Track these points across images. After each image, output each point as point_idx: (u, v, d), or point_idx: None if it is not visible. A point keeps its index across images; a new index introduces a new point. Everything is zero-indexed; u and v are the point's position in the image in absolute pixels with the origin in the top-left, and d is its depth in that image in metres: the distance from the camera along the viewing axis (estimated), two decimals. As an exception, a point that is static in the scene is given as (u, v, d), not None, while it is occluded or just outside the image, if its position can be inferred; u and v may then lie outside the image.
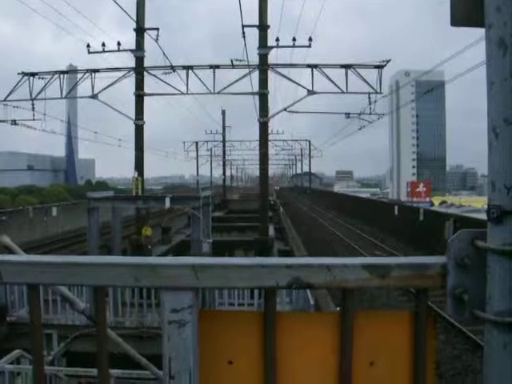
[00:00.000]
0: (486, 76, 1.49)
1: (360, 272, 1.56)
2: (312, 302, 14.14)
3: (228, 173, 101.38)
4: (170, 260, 1.62)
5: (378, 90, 29.83)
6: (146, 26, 28.92)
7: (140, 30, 28.61)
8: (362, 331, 1.64)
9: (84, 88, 31.52)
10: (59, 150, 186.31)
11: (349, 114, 36.33)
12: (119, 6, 21.26)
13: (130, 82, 29.75)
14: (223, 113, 74.84)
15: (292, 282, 1.56)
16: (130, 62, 29.58)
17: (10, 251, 3.04)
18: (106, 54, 29.42)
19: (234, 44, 28.48)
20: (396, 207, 46.26)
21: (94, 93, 30.56)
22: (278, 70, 29.86)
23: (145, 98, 29.80)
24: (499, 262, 1.47)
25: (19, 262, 1.68)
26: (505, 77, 1.43)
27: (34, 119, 31.74)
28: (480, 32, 1.53)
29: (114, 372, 8.74)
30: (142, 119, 29.45)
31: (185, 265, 1.57)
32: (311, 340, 1.66)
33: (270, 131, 35.12)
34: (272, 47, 28.41)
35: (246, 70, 29.36)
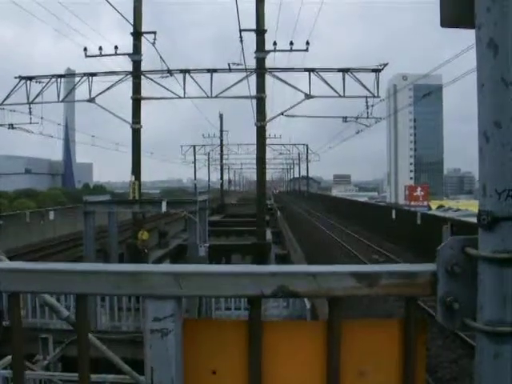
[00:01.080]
0: (476, 78, 1.45)
1: (348, 280, 1.52)
2: (308, 307, 14.12)
3: (226, 177, 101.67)
4: (152, 268, 1.58)
5: (376, 94, 29.87)
6: (147, 29, 28.97)
7: (137, 34, 28.62)
8: (350, 340, 1.60)
9: (81, 92, 31.54)
10: (57, 154, 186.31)
11: (346, 117, 36.37)
12: (116, 10, 21.30)
13: (127, 86, 29.78)
14: (221, 117, 74.91)
15: (277, 290, 1.52)
16: (129, 65, 29.60)
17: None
18: (106, 57, 29.50)
19: (234, 47, 28.41)
20: (393, 211, 46.21)
21: (92, 96, 30.56)
22: (276, 73, 29.88)
23: (142, 101, 29.82)
24: (490, 270, 1.43)
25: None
26: (495, 79, 1.39)
27: (31, 123, 31.79)
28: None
29: (95, 377, 8.64)
30: (139, 123, 29.45)
31: (167, 273, 1.54)
32: (298, 349, 1.62)
33: (267, 135, 35.09)
34: (269, 51, 28.42)
35: (244, 74, 29.38)
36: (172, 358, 1.55)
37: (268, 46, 28.29)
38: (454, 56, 25.38)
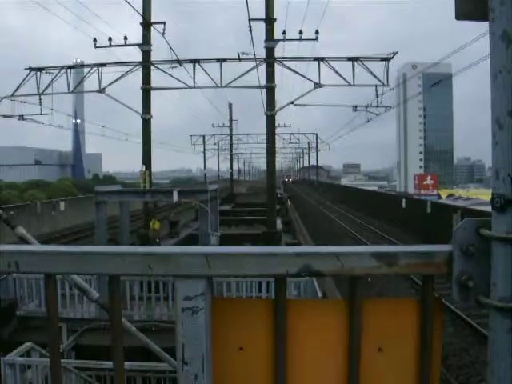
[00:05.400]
0: (489, 68, 1.52)
1: (368, 260, 1.60)
2: (320, 295, 14.17)
3: (235, 166, 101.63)
4: (183, 249, 1.65)
5: (385, 83, 29.77)
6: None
7: (146, 25, 28.65)
8: (370, 318, 1.68)
9: (91, 82, 31.59)
10: (66, 145, 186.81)
11: (356, 106, 36.32)
12: (126, 1, 21.30)
13: (137, 76, 29.81)
14: (230, 106, 74.89)
15: (302, 269, 1.60)
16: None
17: (26, 242, 3.08)
18: (119, 47, 29.48)
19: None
20: (404, 200, 46.16)
21: (102, 87, 30.61)
22: (285, 63, 29.83)
23: (152, 92, 29.87)
24: (503, 250, 1.50)
25: (35, 252, 1.71)
26: (508, 69, 1.46)
27: (41, 114, 31.87)
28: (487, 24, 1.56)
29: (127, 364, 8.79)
30: (150, 113, 29.53)
31: (197, 253, 1.61)
32: (320, 326, 1.70)
33: (277, 125, 35.05)
34: (279, 40, 28.34)
35: (253, 64, 29.34)
36: (202, 334, 1.63)
37: (277, 35, 28.28)
38: (464, 44, 25.23)
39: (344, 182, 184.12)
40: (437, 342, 1.70)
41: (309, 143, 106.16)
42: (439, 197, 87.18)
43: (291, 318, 1.69)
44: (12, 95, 30.81)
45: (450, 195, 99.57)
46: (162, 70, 30.14)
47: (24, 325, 14.14)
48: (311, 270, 1.60)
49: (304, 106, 35.69)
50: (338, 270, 1.61)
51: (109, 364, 9.20)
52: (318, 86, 29.39)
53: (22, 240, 3.07)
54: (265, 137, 31.73)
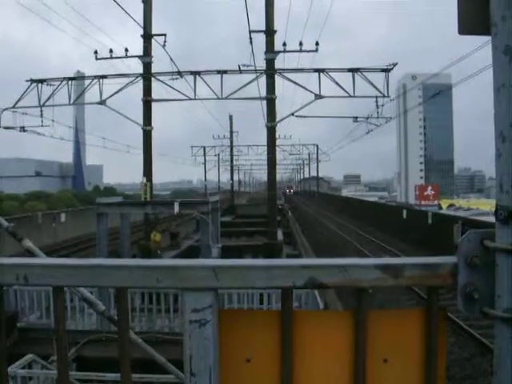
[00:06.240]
0: (492, 82, 1.55)
1: (374, 272, 1.62)
2: (321, 306, 14.15)
3: (236, 178, 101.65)
4: (190, 262, 1.67)
5: (386, 94, 29.85)
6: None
7: (147, 36, 28.76)
8: (376, 329, 1.70)
9: (92, 94, 31.68)
10: (67, 157, 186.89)
11: (356, 117, 36.38)
12: (127, 13, 21.41)
13: (138, 88, 29.91)
14: (230, 118, 75.02)
15: (308, 282, 1.62)
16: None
17: (33, 255, 3.10)
18: (122, 59, 29.63)
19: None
20: (404, 211, 46.14)
21: (102, 99, 30.69)
22: (286, 74, 29.92)
23: (154, 103, 29.96)
24: (507, 261, 1.52)
25: (44, 265, 1.73)
26: (511, 83, 1.48)
27: (42, 125, 31.96)
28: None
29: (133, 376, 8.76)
30: (150, 125, 29.60)
31: (205, 266, 1.63)
32: (327, 337, 1.72)
33: (277, 136, 35.12)
34: (279, 52, 28.47)
35: (254, 75, 29.44)
36: (210, 346, 1.64)
37: (278, 46, 28.39)
38: (465, 55, 25.30)
39: (344, 192, 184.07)
40: (442, 351, 1.71)
41: (309, 154, 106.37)
42: (440, 207, 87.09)
43: (298, 330, 1.70)
44: (13, 107, 30.91)
45: (451, 205, 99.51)
46: (162, 81, 30.26)
47: (25, 337, 14.13)
48: (317, 283, 1.62)
49: (305, 117, 35.67)
50: (344, 282, 1.63)
51: (111, 376, 9.20)
52: (318, 97, 29.45)
53: (29, 252, 3.09)
54: (265, 148, 31.79)
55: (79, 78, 34.81)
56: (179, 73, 29.80)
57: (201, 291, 1.63)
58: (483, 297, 1.59)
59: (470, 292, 1.60)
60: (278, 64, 29.04)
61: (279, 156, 64.83)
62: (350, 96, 29.43)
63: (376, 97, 30.33)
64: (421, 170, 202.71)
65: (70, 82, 31.05)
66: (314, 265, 1.65)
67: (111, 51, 29.25)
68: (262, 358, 1.73)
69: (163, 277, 1.65)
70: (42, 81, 30.84)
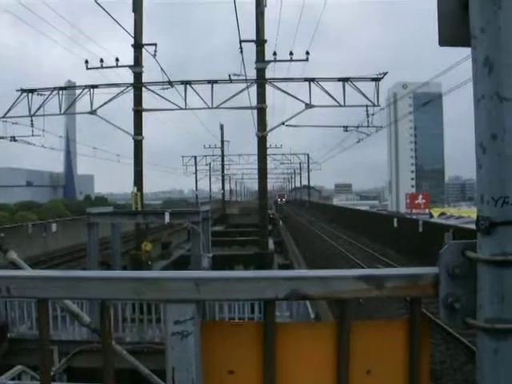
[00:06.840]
0: (472, 93, 1.56)
1: (356, 283, 1.62)
2: (312, 316, 14.15)
3: (227, 187, 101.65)
4: (172, 274, 1.67)
5: (376, 103, 29.99)
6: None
7: (138, 46, 28.79)
8: (359, 340, 1.70)
9: (83, 103, 31.68)
10: (58, 166, 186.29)
11: (347, 127, 36.48)
12: (118, 23, 21.40)
13: (129, 98, 29.92)
14: (221, 127, 75.13)
15: (291, 293, 1.62)
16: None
17: (17, 267, 3.09)
18: (113, 68, 29.64)
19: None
20: (395, 219, 46.23)
21: (93, 109, 30.69)
22: (276, 83, 30.00)
23: (144, 113, 29.96)
24: (488, 272, 1.52)
25: (27, 277, 1.72)
26: (490, 95, 1.49)
27: (33, 135, 31.93)
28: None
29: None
30: (141, 134, 29.59)
31: (187, 278, 1.63)
32: (310, 349, 1.71)
33: (268, 145, 35.15)
34: (269, 61, 28.58)
35: (245, 85, 29.51)
36: (192, 358, 1.64)
37: (268, 56, 28.47)
38: (455, 64, 25.41)
39: (336, 201, 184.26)
40: (424, 360, 1.71)
41: (300, 163, 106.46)
42: (431, 215, 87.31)
43: (281, 342, 1.70)
44: (3, 116, 30.90)
45: (442, 214, 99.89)
46: (153, 91, 30.30)
47: (15, 347, 14.06)
48: (300, 294, 1.62)
49: (295, 126, 35.86)
50: (327, 293, 1.63)
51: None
52: (308, 106, 29.56)
53: (14, 265, 3.08)
54: (256, 157, 31.82)
55: (70, 87, 34.88)
56: (170, 82, 29.86)
57: (183, 303, 1.63)
58: (465, 307, 1.60)
59: (451, 303, 1.60)
60: (268, 74, 29.16)
61: (270, 165, 65.13)
62: (341, 105, 29.57)
63: (366, 106, 30.47)
64: (412, 179, 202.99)
65: (60, 92, 31.05)
66: (296, 276, 1.65)
67: (102, 61, 29.32)
68: (246, 369, 1.72)
69: (146, 289, 1.65)
70: (32, 90, 30.85)
